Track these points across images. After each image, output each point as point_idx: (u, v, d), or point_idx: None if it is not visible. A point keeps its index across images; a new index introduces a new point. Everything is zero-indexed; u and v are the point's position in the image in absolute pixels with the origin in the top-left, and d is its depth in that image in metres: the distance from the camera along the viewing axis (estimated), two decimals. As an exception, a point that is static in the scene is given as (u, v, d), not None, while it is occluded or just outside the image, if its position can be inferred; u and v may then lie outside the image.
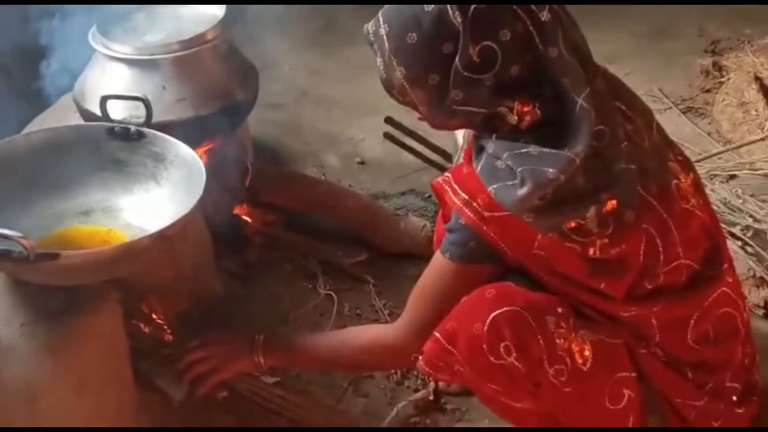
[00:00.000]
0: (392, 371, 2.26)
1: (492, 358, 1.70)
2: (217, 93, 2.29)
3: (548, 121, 1.61)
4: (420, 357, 1.82)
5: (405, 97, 1.71)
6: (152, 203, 2.02)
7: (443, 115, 1.69)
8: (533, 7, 1.60)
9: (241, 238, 2.49)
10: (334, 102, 3.50)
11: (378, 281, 2.53)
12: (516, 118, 1.62)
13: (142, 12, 2.37)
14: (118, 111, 2.15)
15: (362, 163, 3.14)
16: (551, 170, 1.56)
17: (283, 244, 2.56)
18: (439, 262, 1.81)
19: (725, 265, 1.84)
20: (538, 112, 1.61)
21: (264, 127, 3.18)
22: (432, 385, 2.23)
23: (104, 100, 2.08)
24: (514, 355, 1.69)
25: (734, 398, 1.85)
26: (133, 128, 2.06)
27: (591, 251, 1.66)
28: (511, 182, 1.60)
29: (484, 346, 1.70)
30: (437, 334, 1.78)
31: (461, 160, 1.92)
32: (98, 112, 2.18)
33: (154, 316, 2.14)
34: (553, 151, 1.58)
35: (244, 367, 2.02)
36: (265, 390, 2.10)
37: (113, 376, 1.93)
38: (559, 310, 1.73)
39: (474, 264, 1.75)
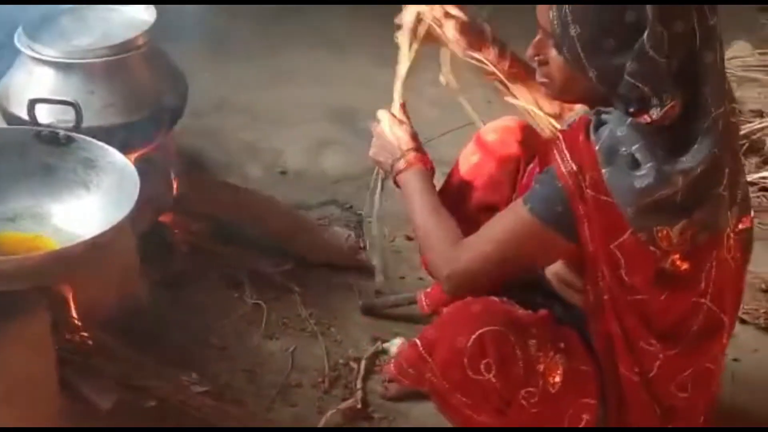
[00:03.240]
0: (320, 378, 2.29)
1: (470, 373, 1.72)
2: (146, 99, 2.27)
3: (678, 125, 1.62)
4: (391, 362, 1.87)
5: (542, 55, 1.73)
6: (82, 209, 2.00)
7: (605, 81, 1.65)
8: (705, 8, 1.62)
9: (167, 247, 2.47)
10: (254, 111, 3.49)
11: (303, 290, 2.54)
12: (660, 112, 1.60)
13: (70, 14, 2.33)
14: (44, 115, 2.12)
15: (283, 173, 3.14)
16: (673, 177, 1.60)
17: (208, 253, 2.54)
18: (517, 212, 1.75)
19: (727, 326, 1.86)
20: (677, 112, 1.62)
21: (184, 136, 3.14)
22: (359, 393, 2.24)
23: (32, 103, 2.05)
24: (493, 372, 1.71)
25: None
26: (62, 133, 2.03)
27: (665, 262, 1.69)
28: (630, 172, 1.61)
29: (465, 360, 1.72)
30: (417, 341, 1.79)
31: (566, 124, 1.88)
32: (23, 116, 2.15)
33: (79, 324, 2.10)
34: (679, 158, 1.61)
35: None
36: (195, 399, 2.08)
37: (40, 383, 1.91)
38: (540, 332, 1.76)
39: (549, 228, 1.71)
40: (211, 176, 2.90)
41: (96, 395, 2.01)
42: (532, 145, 2.03)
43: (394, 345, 2.40)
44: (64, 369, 1.97)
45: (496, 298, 1.82)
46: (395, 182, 1.99)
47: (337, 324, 2.47)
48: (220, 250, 2.57)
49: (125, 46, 2.24)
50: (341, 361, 2.36)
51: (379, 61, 3.77)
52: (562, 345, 1.78)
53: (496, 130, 2.12)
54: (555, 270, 1.87)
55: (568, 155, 1.68)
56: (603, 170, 1.64)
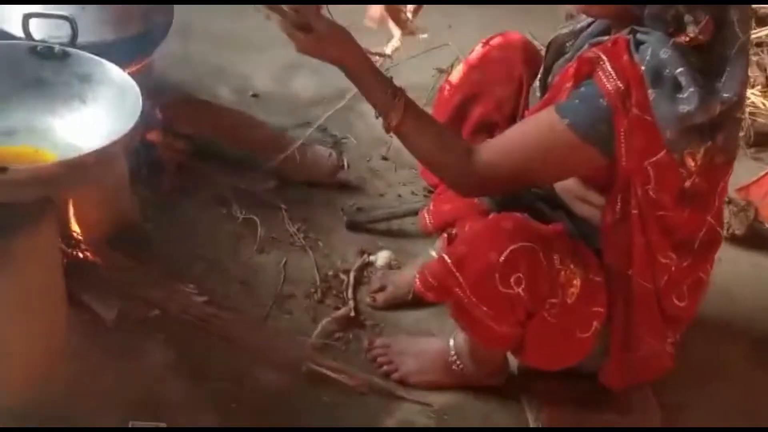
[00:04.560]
0: (312, 289, 2.36)
1: (501, 287, 1.78)
2: (135, 16, 2.28)
3: (710, 48, 1.67)
4: (417, 276, 1.91)
5: None
6: (80, 123, 2.00)
7: None
8: None
9: (155, 165, 2.49)
10: (218, 37, 3.47)
11: (289, 207, 2.59)
12: (695, 31, 1.64)
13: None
14: (35, 31, 2.10)
15: (255, 96, 3.16)
16: (712, 104, 1.65)
17: (194, 171, 2.57)
18: (552, 124, 1.74)
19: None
20: (711, 31, 1.65)
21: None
22: (351, 303, 2.32)
23: (27, 18, 2.03)
24: (523, 286, 1.78)
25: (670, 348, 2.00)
26: (57, 47, 2.03)
27: (688, 182, 1.75)
28: (675, 94, 1.64)
29: (497, 275, 1.78)
30: (445, 256, 1.84)
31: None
32: (14, 32, 2.13)
33: (80, 238, 2.13)
34: (716, 83, 1.65)
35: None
36: (196, 308, 2.14)
37: (50, 292, 1.93)
38: (561, 245, 1.83)
39: (587, 143, 1.72)
40: (192, 95, 2.90)
41: (100, 306, 2.05)
42: (536, 62, 2.08)
43: (381, 257, 2.48)
44: (68, 281, 2.00)
45: (519, 214, 1.87)
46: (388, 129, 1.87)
47: (323, 239, 2.54)
48: (206, 169, 2.60)
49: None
50: (330, 273, 2.43)
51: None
52: (577, 258, 1.85)
53: (499, 47, 2.15)
54: (567, 185, 1.93)
55: (613, 72, 1.69)
56: (649, 90, 1.67)
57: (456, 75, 2.19)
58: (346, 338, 2.24)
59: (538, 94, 1.99)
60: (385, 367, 2.17)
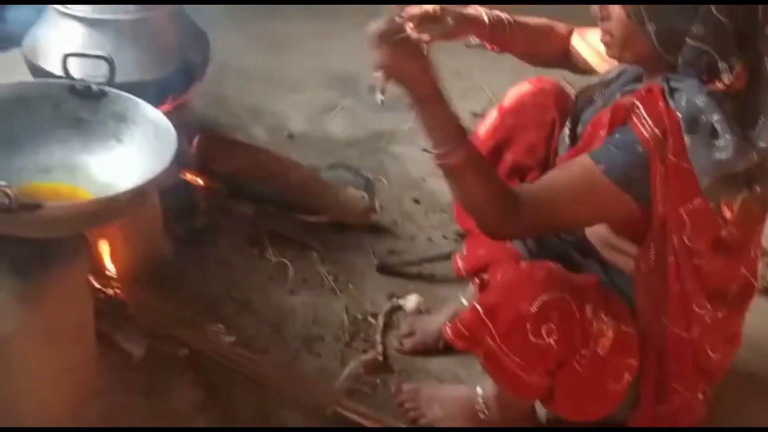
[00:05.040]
0: (341, 332, 2.35)
1: (532, 337, 1.77)
2: (172, 56, 2.31)
3: (744, 97, 1.66)
4: (448, 324, 1.90)
5: (605, 11, 1.73)
6: (116, 161, 2.03)
7: (664, 40, 1.68)
8: None
9: (189, 203, 2.51)
10: (254, 76, 3.52)
11: (320, 249, 2.59)
12: (730, 78, 1.64)
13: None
14: (74, 70, 2.14)
15: (291, 136, 3.18)
16: (749, 153, 1.64)
17: (228, 211, 2.59)
18: (587, 169, 1.72)
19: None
20: (745, 78, 1.65)
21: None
22: (379, 347, 2.31)
23: (66, 58, 2.07)
24: (554, 337, 1.76)
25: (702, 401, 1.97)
26: (95, 87, 2.06)
27: (724, 231, 1.74)
28: (712, 141, 1.63)
29: (528, 325, 1.76)
30: (477, 306, 1.83)
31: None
32: (53, 70, 2.17)
33: (111, 275, 2.14)
34: (751, 131, 1.65)
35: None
36: (224, 348, 2.14)
37: (80, 330, 1.95)
38: (594, 296, 1.81)
39: (622, 190, 1.70)
40: (228, 135, 2.92)
41: (129, 343, 2.06)
42: (567, 107, 2.07)
43: (410, 301, 2.46)
44: (98, 318, 2.01)
45: (551, 263, 1.86)
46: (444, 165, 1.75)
47: (354, 281, 2.53)
48: (239, 209, 2.61)
49: (152, 3, 2.27)
50: (359, 316, 2.42)
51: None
52: (610, 308, 1.83)
53: (533, 93, 2.14)
54: (599, 234, 1.90)
55: (649, 120, 1.68)
56: (686, 137, 1.66)
57: (489, 120, 2.19)
58: (373, 382, 2.22)
59: (567, 141, 1.98)
60: (411, 413, 2.15)
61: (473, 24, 2.02)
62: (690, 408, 1.94)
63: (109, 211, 1.82)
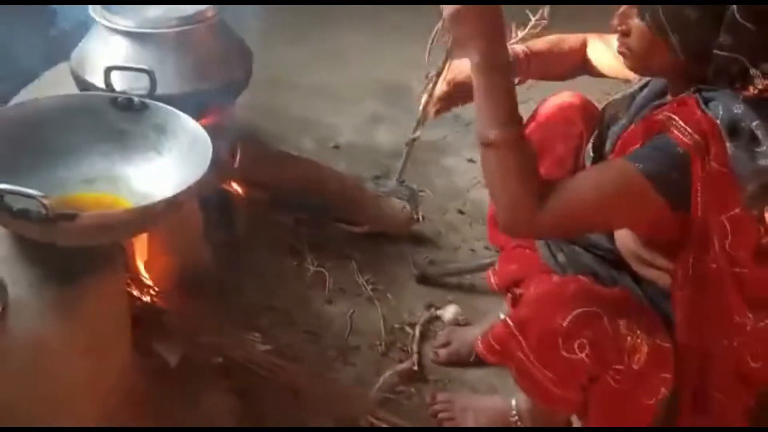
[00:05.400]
0: (377, 341, 2.36)
1: (564, 352, 1.76)
2: (214, 69, 2.34)
3: None
4: (479, 338, 1.90)
5: (625, 26, 1.72)
6: (155, 172, 2.06)
7: (689, 50, 1.66)
8: None
9: (229, 213, 2.55)
10: (306, 88, 3.58)
11: (360, 258, 2.62)
12: (763, 83, 1.62)
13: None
14: (117, 83, 2.19)
15: (337, 147, 3.22)
16: None
17: (269, 221, 2.62)
18: (622, 168, 1.68)
19: None
20: None
21: (238, 110, 3.23)
22: (415, 356, 2.32)
23: (108, 71, 2.11)
24: (587, 351, 1.75)
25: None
26: (136, 99, 2.10)
27: (766, 239, 1.70)
28: (753, 148, 1.61)
29: (560, 340, 1.76)
30: (508, 320, 1.83)
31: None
32: (96, 83, 2.22)
33: (149, 284, 2.19)
34: None
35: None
36: (259, 357, 2.16)
37: (116, 337, 1.98)
38: (627, 310, 1.79)
39: (659, 191, 1.65)
40: (271, 146, 2.96)
41: (165, 351, 2.10)
42: (593, 119, 2.06)
43: (448, 312, 2.47)
44: (134, 325, 2.05)
45: (583, 278, 1.85)
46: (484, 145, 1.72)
47: (392, 291, 2.55)
48: (280, 218, 2.65)
49: (196, 17, 2.31)
50: (397, 325, 2.44)
51: (425, 41, 3.85)
52: (644, 322, 1.81)
53: (560, 108, 2.14)
54: (631, 248, 1.88)
55: (688, 128, 1.65)
56: (727, 144, 1.62)
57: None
58: (408, 392, 2.24)
59: (591, 154, 1.97)
60: (445, 423, 2.15)
61: None
62: (731, 418, 1.90)
63: (144, 220, 1.85)
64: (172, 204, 1.85)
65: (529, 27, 2.17)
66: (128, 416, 1.98)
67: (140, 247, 2.23)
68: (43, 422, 1.87)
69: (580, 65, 2.12)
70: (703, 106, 1.66)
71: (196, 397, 2.06)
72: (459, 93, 2.12)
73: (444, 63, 2.04)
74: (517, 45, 2.11)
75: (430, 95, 2.11)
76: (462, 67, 2.07)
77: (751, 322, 1.80)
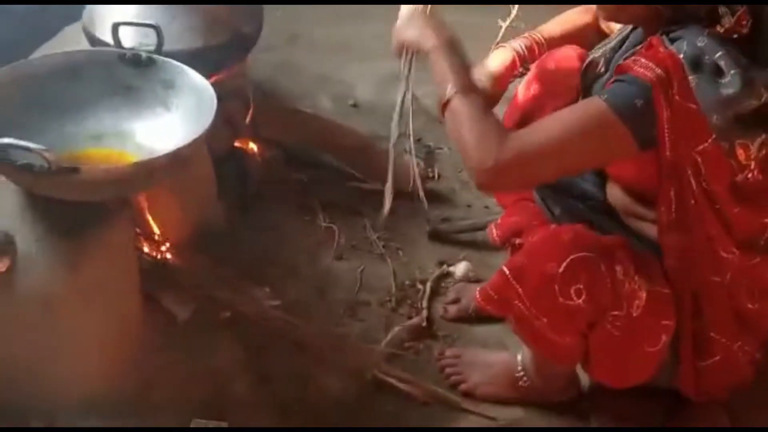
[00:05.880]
0: (387, 297, 2.38)
1: (561, 298, 1.76)
2: (224, 24, 2.33)
3: (750, 42, 1.65)
4: (479, 289, 1.90)
5: None
6: (163, 128, 2.07)
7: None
8: None
9: (242, 171, 2.55)
10: (325, 46, 3.56)
11: (372, 215, 2.61)
12: (732, 21, 1.63)
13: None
14: (127, 39, 2.19)
15: (354, 105, 3.21)
16: (757, 87, 1.62)
17: (282, 178, 2.63)
18: (586, 103, 1.71)
19: None
20: (748, 26, 1.64)
21: (257, 68, 3.22)
22: (425, 312, 2.32)
23: (116, 26, 2.12)
24: (583, 297, 1.75)
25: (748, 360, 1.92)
26: (144, 55, 2.11)
27: (740, 176, 1.71)
28: (716, 79, 1.63)
29: (556, 286, 1.76)
30: (505, 269, 1.83)
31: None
32: (108, 40, 2.22)
33: (160, 239, 2.20)
34: (764, 69, 1.63)
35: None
36: (267, 311, 2.18)
37: (123, 290, 2.01)
38: (624, 257, 1.79)
39: (622, 121, 1.64)
40: (285, 104, 2.96)
41: (174, 306, 2.12)
42: (596, 72, 2.04)
43: (460, 268, 2.47)
44: (145, 280, 2.07)
45: (578, 225, 1.84)
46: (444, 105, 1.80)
47: (404, 248, 2.55)
48: (294, 176, 2.65)
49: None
50: (408, 282, 2.44)
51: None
52: (642, 268, 1.80)
53: (557, 60, 2.13)
54: (621, 200, 1.90)
55: (651, 64, 1.65)
56: (690, 77, 1.63)
57: (521, 89, 2.18)
58: (416, 348, 2.25)
59: None
60: (452, 378, 2.16)
61: (507, 73, 2.10)
62: (734, 362, 1.89)
63: (147, 174, 1.86)
64: (175, 159, 1.86)
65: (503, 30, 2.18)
66: (136, 369, 2.00)
67: (152, 203, 2.25)
68: (51, 376, 1.91)
69: (596, 38, 2.10)
70: (667, 44, 1.67)
71: (204, 350, 2.08)
72: None
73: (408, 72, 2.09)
74: (530, 33, 2.14)
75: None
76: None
77: (738, 258, 1.79)
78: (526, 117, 2.13)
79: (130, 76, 2.12)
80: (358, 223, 2.60)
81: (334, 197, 2.66)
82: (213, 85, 2.11)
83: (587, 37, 2.12)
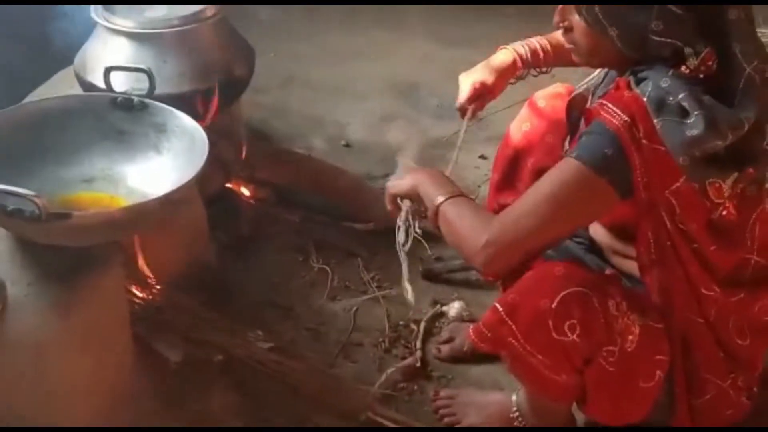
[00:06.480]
0: (381, 338, 2.37)
1: (554, 334, 1.74)
2: (215, 68, 2.36)
3: (716, 81, 1.66)
4: (471, 327, 1.88)
5: (567, 21, 1.77)
6: (154, 171, 2.08)
7: (628, 41, 1.70)
8: None
9: (234, 212, 2.56)
10: (319, 87, 3.59)
11: (366, 255, 2.62)
12: (696, 60, 1.65)
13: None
14: (119, 84, 2.21)
15: (347, 145, 3.22)
16: (722, 127, 1.63)
17: (274, 219, 2.63)
18: (561, 165, 1.72)
19: None
20: (714, 66, 1.66)
21: (251, 110, 3.24)
22: (419, 353, 2.32)
23: (108, 71, 2.14)
24: (577, 333, 1.74)
25: (744, 398, 1.92)
26: (136, 99, 2.12)
27: (715, 214, 1.72)
28: (681, 120, 1.64)
29: (550, 322, 1.74)
30: (497, 305, 1.81)
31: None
32: (99, 84, 2.24)
33: (151, 282, 2.20)
34: (728, 108, 1.64)
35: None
36: (260, 354, 2.17)
37: (115, 335, 2.00)
38: (616, 292, 1.79)
39: (598, 175, 1.67)
40: (278, 145, 2.98)
41: (166, 349, 2.11)
42: (582, 109, 2.06)
43: (453, 308, 2.46)
44: (135, 323, 2.07)
45: (569, 262, 1.84)
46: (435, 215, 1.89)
47: (398, 287, 2.53)
48: (286, 216, 2.66)
49: (196, 17, 2.32)
50: (401, 322, 2.43)
51: (440, 39, 3.86)
52: (634, 303, 1.80)
53: (546, 97, 2.16)
54: (604, 240, 1.91)
55: (616, 109, 1.67)
56: (655, 120, 1.65)
57: (513, 127, 2.20)
58: (410, 389, 2.24)
59: (567, 147, 1.97)
60: (447, 419, 2.15)
61: (508, 71, 2.16)
62: (728, 400, 1.89)
63: (139, 219, 1.87)
64: (167, 202, 1.87)
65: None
66: (128, 414, 1.99)
67: (143, 245, 2.25)
68: (43, 422, 1.89)
69: None
70: (633, 86, 1.70)
71: (197, 394, 2.07)
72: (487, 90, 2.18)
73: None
74: (536, 39, 2.19)
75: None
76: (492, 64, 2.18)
77: (720, 295, 1.80)
78: (519, 154, 2.14)
79: (122, 120, 2.13)
80: (351, 263, 2.60)
81: (328, 238, 2.66)
82: (205, 128, 2.13)
83: None
